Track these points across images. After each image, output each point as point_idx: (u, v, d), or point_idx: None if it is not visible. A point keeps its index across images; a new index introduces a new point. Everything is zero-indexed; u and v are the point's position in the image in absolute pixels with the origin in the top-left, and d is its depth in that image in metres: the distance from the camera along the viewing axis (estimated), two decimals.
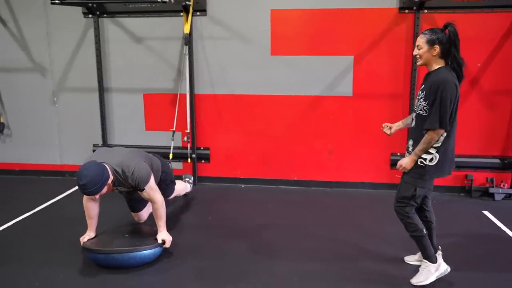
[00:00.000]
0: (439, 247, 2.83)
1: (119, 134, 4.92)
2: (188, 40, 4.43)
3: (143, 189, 3.01)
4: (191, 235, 3.53)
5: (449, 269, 2.77)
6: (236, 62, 4.56)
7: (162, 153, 4.43)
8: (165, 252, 3.15)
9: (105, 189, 2.83)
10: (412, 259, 3.03)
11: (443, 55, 2.51)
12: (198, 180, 4.84)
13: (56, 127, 5.00)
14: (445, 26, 2.50)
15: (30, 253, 3.20)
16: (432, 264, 2.72)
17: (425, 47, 2.51)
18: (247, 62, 4.54)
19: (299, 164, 4.70)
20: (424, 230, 2.69)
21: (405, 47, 4.29)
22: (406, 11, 4.24)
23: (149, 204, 3.48)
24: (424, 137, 2.51)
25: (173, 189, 3.69)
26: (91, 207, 3.14)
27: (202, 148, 4.80)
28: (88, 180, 2.70)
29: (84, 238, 3.12)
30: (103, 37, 4.69)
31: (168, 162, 3.92)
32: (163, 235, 3.09)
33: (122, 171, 2.91)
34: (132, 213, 3.60)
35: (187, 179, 4.27)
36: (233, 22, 4.49)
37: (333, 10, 4.33)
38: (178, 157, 4.67)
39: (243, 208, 4.15)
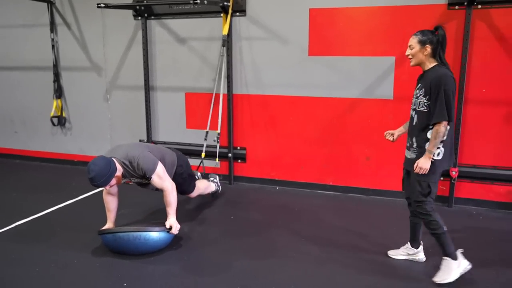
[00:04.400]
0: (421, 242, 2.97)
1: (162, 131, 5.13)
2: (225, 41, 4.48)
3: (151, 177, 3.13)
4: (207, 230, 3.57)
5: (470, 266, 2.74)
6: (273, 62, 4.51)
7: (200, 152, 4.61)
8: (177, 244, 3.25)
9: (114, 181, 3.01)
10: (395, 253, 3.03)
11: (434, 55, 2.68)
12: (234, 179, 4.88)
13: (108, 122, 5.36)
14: (436, 29, 2.68)
15: (60, 236, 3.47)
16: (453, 261, 2.69)
17: (417, 47, 2.69)
18: (284, 63, 4.47)
19: (335, 168, 4.51)
20: (444, 227, 2.68)
21: (454, 47, 3.91)
22: (456, 7, 3.87)
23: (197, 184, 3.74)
24: (433, 132, 2.60)
25: (193, 185, 3.74)
26: (110, 201, 3.34)
27: (238, 148, 4.82)
28: (95, 174, 2.90)
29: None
30: (150, 38, 4.93)
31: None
32: (171, 221, 3.18)
33: (130, 162, 3.08)
34: None
35: (211, 178, 4.28)
36: (272, 22, 4.45)
37: (375, 8, 4.10)
38: (216, 156, 4.74)
39: (268, 210, 4.09)
